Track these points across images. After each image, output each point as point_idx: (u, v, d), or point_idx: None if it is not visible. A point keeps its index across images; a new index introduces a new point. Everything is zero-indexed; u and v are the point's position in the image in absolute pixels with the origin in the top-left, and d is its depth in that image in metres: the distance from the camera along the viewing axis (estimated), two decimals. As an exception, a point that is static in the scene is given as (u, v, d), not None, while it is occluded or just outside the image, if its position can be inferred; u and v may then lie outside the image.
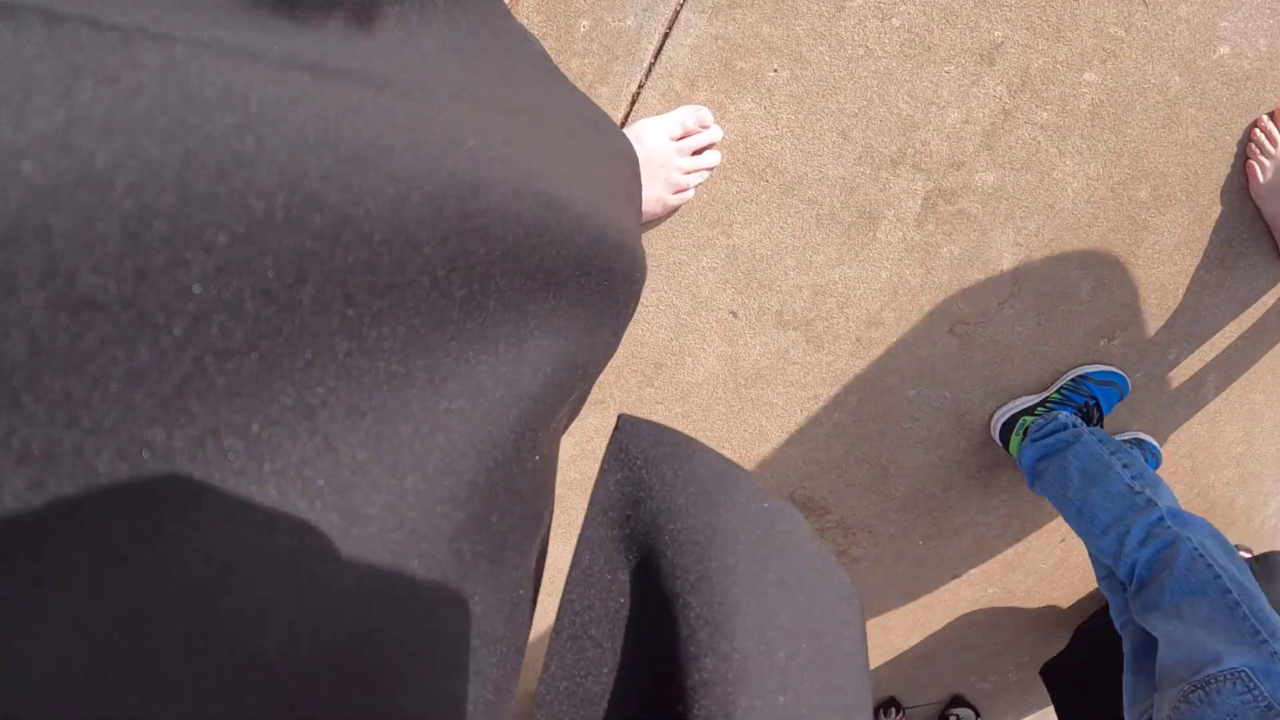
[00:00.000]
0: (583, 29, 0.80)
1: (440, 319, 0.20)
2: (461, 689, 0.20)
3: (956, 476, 1.14)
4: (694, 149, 0.82)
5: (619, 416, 0.33)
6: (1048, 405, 1.03)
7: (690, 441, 0.31)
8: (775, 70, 0.81)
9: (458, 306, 0.20)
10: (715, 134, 0.82)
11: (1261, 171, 0.98)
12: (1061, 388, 1.04)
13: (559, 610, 0.29)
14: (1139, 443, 1.12)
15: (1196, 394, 1.17)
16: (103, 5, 0.14)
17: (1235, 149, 0.97)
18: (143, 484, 0.14)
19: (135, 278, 0.13)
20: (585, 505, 1.00)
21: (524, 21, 0.79)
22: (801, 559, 0.29)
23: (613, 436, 0.32)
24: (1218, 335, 1.11)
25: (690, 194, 0.85)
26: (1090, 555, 1.03)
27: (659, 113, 0.82)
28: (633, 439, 0.31)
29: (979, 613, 1.37)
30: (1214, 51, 0.89)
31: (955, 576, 1.31)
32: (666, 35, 0.80)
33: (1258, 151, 0.98)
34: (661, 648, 0.26)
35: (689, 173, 0.83)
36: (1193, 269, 1.03)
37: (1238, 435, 1.24)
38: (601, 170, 0.35)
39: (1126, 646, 0.98)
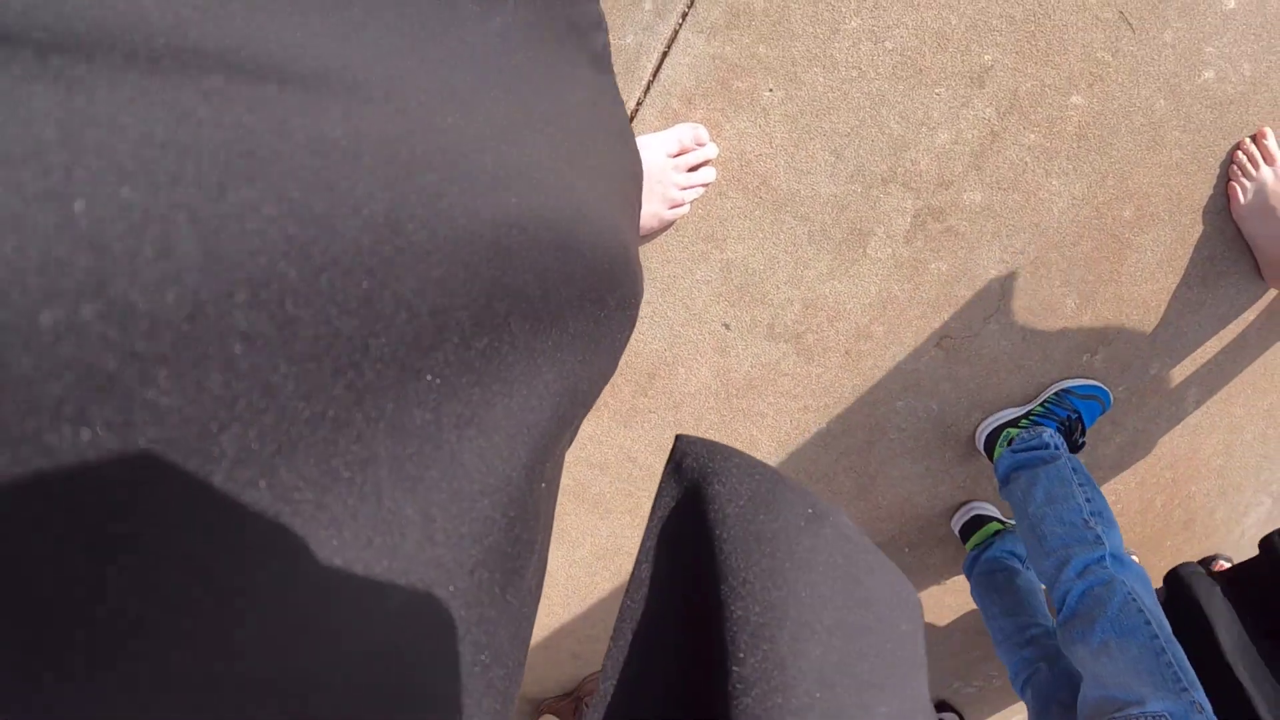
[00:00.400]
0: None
1: (465, 368, 0.21)
2: (476, 703, 0.22)
3: (942, 486, 1.17)
4: (690, 165, 0.84)
5: (676, 437, 0.34)
6: (1032, 418, 1.06)
7: (741, 455, 0.32)
8: (771, 90, 0.83)
9: (479, 355, 0.22)
10: (711, 151, 0.84)
11: (1243, 193, 1.01)
12: (1045, 401, 1.07)
13: (619, 613, 0.31)
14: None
15: (1178, 407, 1.19)
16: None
17: (1218, 170, 0.99)
18: (250, 522, 0.16)
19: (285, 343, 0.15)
20: (577, 510, 1.01)
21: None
22: (848, 563, 0.29)
23: (671, 454, 0.34)
24: (1199, 350, 1.14)
25: (686, 209, 0.87)
26: (991, 630, 1.10)
27: (657, 129, 0.84)
28: (687, 455, 0.32)
29: (963, 619, 1.40)
30: (1199, 76, 0.91)
31: (939, 584, 1.33)
32: (665, 54, 0.82)
33: (1239, 173, 1.00)
34: (708, 650, 0.27)
35: (685, 189, 0.85)
36: (1175, 286, 1.05)
37: (1218, 448, 1.26)
38: (618, 192, 0.36)
39: (1031, 710, 1.03)
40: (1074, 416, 1.04)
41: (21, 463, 0.13)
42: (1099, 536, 0.91)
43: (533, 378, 0.25)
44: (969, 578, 1.16)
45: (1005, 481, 1.03)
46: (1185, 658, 0.81)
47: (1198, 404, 1.21)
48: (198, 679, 0.15)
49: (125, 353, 0.14)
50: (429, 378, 0.20)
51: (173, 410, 0.14)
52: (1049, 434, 1.01)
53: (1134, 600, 0.84)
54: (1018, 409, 1.09)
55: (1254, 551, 1.46)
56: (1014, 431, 1.06)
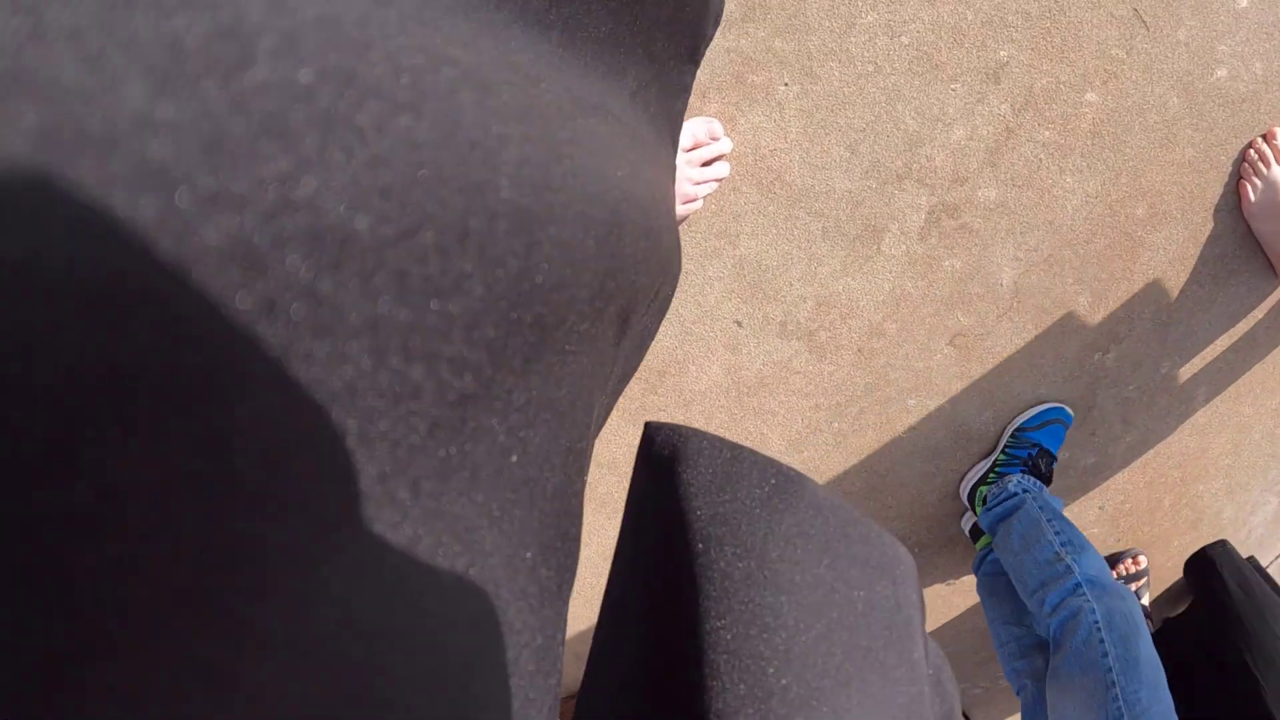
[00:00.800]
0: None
1: (563, 352, 0.20)
2: (534, 712, 0.20)
3: (952, 486, 1.16)
4: (704, 160, 0.83)
5: (645, 424, 0.33)
6: (997, 470, 1.09)
7: (705, 435, 0.31)
8: (786, 84, 0.82)
9: (579, 338, 0.21)
10: (725, 146, 0.83)
11: (1253, 191, 1.00)
12: (1005, 447, 1.09)
13: (603, 602, 0.30)
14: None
15: (1187, 406, 1.19)
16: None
17: (1230, 169, 0.99)
18: (365, 513, 0.15)
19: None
20: (584, 509, 0.99)
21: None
22: (819, 528, 0.29)
23: (641, 441, 0.33)
24: (1209, 349, 1.13)
25: (699, 204, 0.86)
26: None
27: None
28: (654, 441, 0.32)
29: (972, 620, 1.39)
30: (1212, 74, 0.91)
31: (948, 585, 1.32)
32: None
33: (1250, 172, 1.00)
34: (672, 637, 0.26)
35: (698, 183, 0.84)
36: (1186, 284, 1.05)
37: (1226, 447, 1.26)
38: (668, 183, 0.36)
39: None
40: (1035, 451, 1.06)
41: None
42: (1069, 566, 0.92)
43: (592, 364, 0.24)
44: (976, 576, 1.16)
45: (992, 535, 1.07)
46: (1140, 689, 0.81)
47: (1206, 402, 1.20)
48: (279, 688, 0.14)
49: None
50: (548, 357, 0.19)
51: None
52: (1014, 481, 1.04)
53: (1097, 631, 0.85)
54: (985, 461, 1.12)
55: (1262, 554, 1.46)
56: (984, 489, 1.10)
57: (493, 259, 0.16)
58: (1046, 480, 1.06)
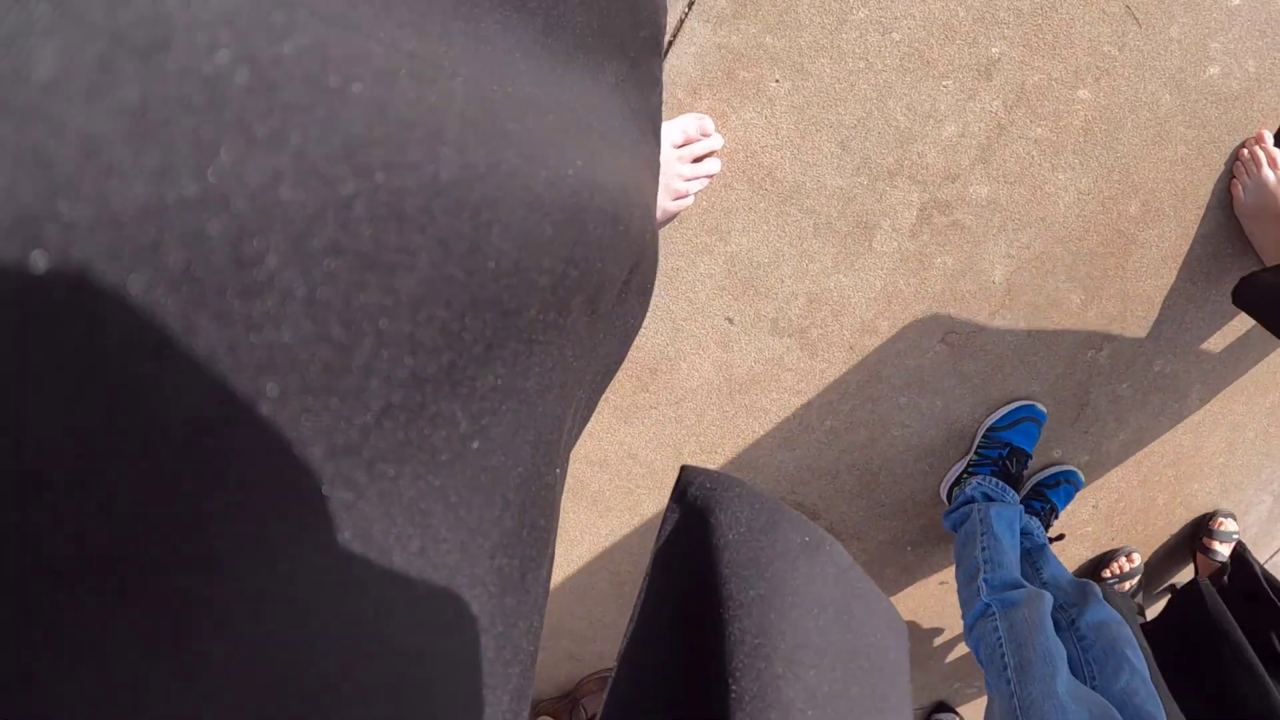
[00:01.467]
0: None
1: (526, 339, 0.21)
2: (497, 701, 0.20)
3: (945, 484, 1.16)
4: (695, 156, 0.83)
5: (682, 468, 0.37)
6: (970, 470, 1.10)
7: (742, 484, 0.34)
8: (777, 80, 0.82)
9: (543, 327, 0.21)
10: (716, 142, 0.83)
11: (1244, 191, 1.00)
12: (977, 447, 1.09)
13: (630, 622, 0.32)
14: (1062, 475, 1.18)
15: (1181, 405, 1.19)
16: None
17: (1223, 166, 0.99)
18: (332, 500, 0.15)
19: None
20: (575, 508, 1.00)
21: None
22: (841, 590, 0.31)
23: (676, 483, 0.36)
24: (1202, 347, 1.13)
25: (690, 201, 0.85)
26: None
27: (662, 119, 0.83)
28: (691, 484, 0.35)
29: (965, 618, 1.39)
30: (1204, 71, 0.91)
31: (942, 583, 1.32)
32: (671, 43, 0.81)
33: (1243, 172, 1.00)
34: (701, 669, 0.28)
35: (689, 180, 0.84)
36: (1179, 283, 1.05)
37: (1220, 446, 1.26)
38: (647, 176, 0.37)
39: None
40: (1006, 451, 1.07)
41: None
42: (979, 587, 0.95)
43: (564, 355, 0.24)
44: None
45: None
46: (1034, 687, 0.83)
47: (1201, 402, 1.20)
48: (225, 669, 0.14)
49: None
50: (512, 345, 0.19)
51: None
52: (972, 485, 1.05)
53: (1000, 649, 0.87)
54: (961, 461, 1.12)
55: (1257, 552, 1.46)
56: (956, 490, 1.11)
57: (436, 238, 0.16)
58: (1016, 481, 1.07)
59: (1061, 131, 0.90)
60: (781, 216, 0.88)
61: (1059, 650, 0.85)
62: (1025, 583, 0.94)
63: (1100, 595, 0.96)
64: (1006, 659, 0.86)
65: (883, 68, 0.83)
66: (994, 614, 0.91)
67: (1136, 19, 0.88)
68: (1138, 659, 0.87)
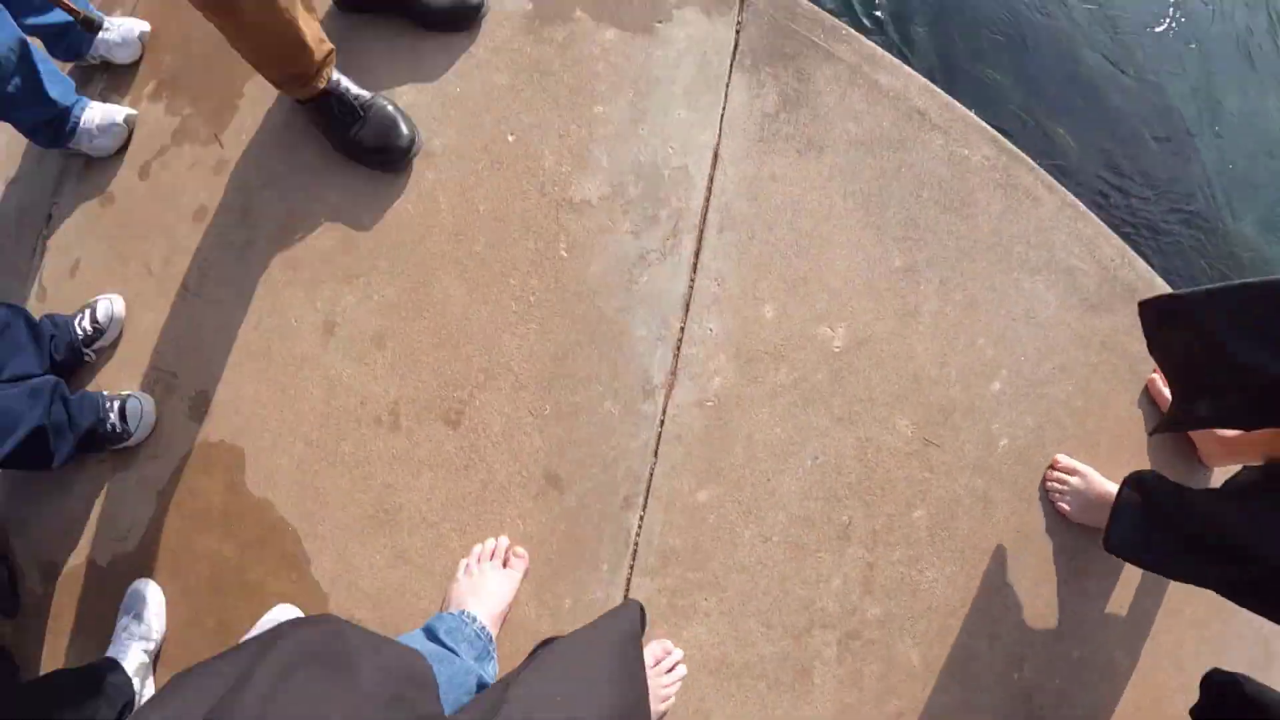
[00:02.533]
0: (567, 605, 1.12)
1: None
2: None
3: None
4: (666, 669, 1.12)
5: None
6: None
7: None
8: (706, 599, 1.15)
9: None
10: (678, 654, 1.13)
11: (1067, 505, 1.33)
12: None
13: None
14: None
15: (1113, 669, 1.42)
16: None
17: (1040, 496, 1.32)
18: None
19: None
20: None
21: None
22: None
23: None
24: (1105, 614, 1.39)
25: (673, 701, 1.13)
26: None
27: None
28: None
29: None
30: (997, 447, 1.27)
31: None
32: (626, 590, 1.14)
33: (1056, 496, 1.34)
34: None
35: (667, 686, 1.12)
36: (1057, 594, 1.34)
37: (1169, 677, 1.47)
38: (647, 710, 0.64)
39: None
40: None
41: None
42: None
43: None
44: None
45: None
46: None
47: (1129, 657, 1.43)
48: None
49: None
50: None
51: None
52: None
53: None
54: None
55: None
56: None
57: None
58: None
59: (914, 545, 1.23)
60: (742, 688, 1.16)
61: None
62: None
63: None
64: None
65: (774, 563, 1.17)
66: None
67: (933, 443, 1.25)
68: None
